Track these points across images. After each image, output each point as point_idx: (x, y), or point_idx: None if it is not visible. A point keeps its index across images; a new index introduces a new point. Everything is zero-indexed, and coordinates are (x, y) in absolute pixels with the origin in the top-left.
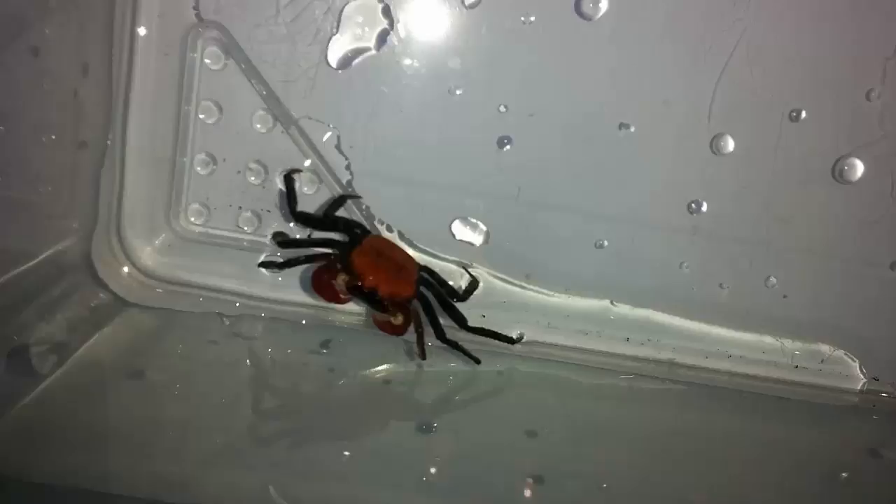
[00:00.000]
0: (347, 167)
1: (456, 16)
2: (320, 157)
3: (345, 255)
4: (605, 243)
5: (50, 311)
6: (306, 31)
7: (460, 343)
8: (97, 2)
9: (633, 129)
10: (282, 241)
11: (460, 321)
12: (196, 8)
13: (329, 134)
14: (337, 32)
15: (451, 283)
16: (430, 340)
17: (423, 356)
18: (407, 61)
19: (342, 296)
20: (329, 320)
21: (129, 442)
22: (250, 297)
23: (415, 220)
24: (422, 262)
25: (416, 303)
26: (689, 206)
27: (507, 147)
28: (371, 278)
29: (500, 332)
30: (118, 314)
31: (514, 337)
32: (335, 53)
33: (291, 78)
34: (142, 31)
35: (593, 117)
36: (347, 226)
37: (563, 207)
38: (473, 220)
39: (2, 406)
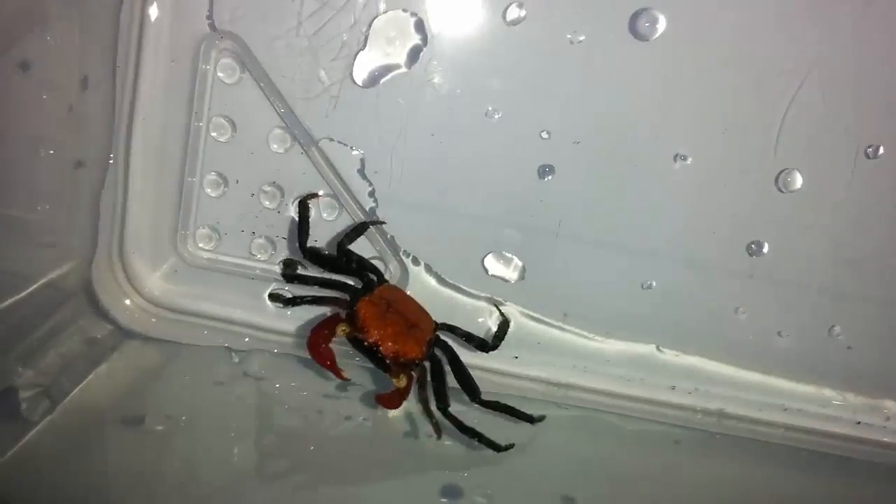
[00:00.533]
0: (371, 193)
1: (496, 32)
2: (342, 181)
3: (353, 301)
4: (653, 284)
5: (43, 346)
6: (330, 44)
7: (464, 423)
8: (100, 9)
9: (689, 161)
10: (288, 274)
11: (472, 391)
12: (210, 17)
13: (352, 157)
14: (364, 47)
15: (478, 329)
16: None
17: (437, 433)
18: (440, 80)
19: (334, 364)
20: (348, 356)
21: (124, 499)
22: (261, 329)
23: (444, 253)
24: (441, 319)
25: (425, 365)
26: (748, 247)
27: (549, 177)
28: (375, 332)
29: (518, 409)
30: (118, 347)
31: (535, 417)
32: (361, 70)
33: (312, 95)
34: (151, 40)
35: (645, 146)
36: (361, 268)
37: (609, 244)
38: (508, 255)
39: None
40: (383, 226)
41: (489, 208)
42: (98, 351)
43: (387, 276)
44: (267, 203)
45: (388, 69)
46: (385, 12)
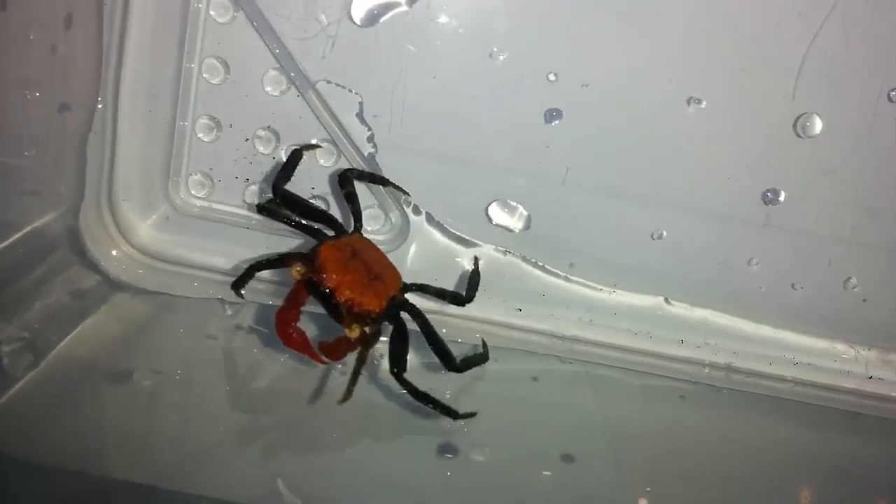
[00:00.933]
0: (370, 138)
1: None
2: (340, 125)
3: (311, 251)
4: (664, 234)
5: (28, 298)
6: None
7: (418, 389)
8: None
9: (703, 105)
10: (263, 206)
11: (449, 362)
12: None
13: (351, 100)
14: None
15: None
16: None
17: (344, 397)
18: (443, 19)
19: (308, 347)
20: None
21: (109, 458)
22: (255, 279)
23: (447, 202)
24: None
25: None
26: (763, 195)
27: (556, 121)
28: (333, 277)
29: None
30: (106, 300)
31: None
32: (360, 8)
33: (309, 35)
34: None
35: (658, 89)
36: (331, 221)
37: (617, 192)
38: (513, 203)
39: None
40: (382, 171)
41: (493, 155)
42: (85, 303)
43: (387, 226)
44: (262, 148)
45: (387, 7)
46: None
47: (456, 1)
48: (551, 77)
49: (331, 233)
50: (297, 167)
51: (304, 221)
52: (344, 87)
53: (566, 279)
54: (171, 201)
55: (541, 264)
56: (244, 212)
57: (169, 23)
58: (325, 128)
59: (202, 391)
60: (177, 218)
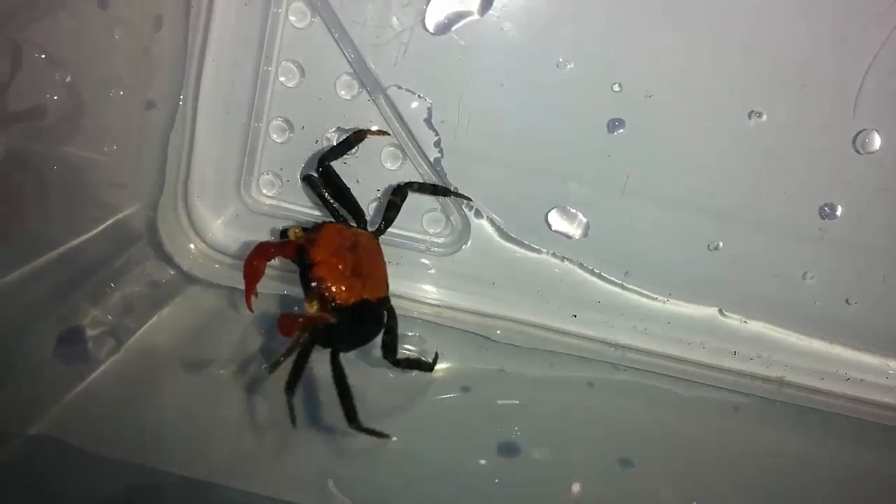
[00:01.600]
0: (437, 143)
1: None
2: (407, 130)
3: (317, 225)
4: (720, 245)
5: (109, 287)
6: None
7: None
8: None
9: (764, 118)
10: (307, 176)
11: (393, 362)
12: None
13: (420, 105)
14: None
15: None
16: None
17: (271, 369)
18: (512, 29)
19: (253, 283)
20: (404, 309)
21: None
22: None
23: (507, 206)
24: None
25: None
26: (821, 210)
27: (619, 131)
28: (321, 253)
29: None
30: (180, 292)
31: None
32: (433, 17)
33: (382, 41)
34: None
35: (720, 102)
36: (357, 212)
37: (676, 202)
38: (573, 210)
39: (50, 395)
40: (447, 175)
41: (555, 162)
42: (161, 294)
43: (448, 229)
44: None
45: (460, 16)
46: None
47: (526, 12)
48: (616, 87)
49: (352, 222)
50: (362, 166)
51: (333, 202)
52: (414, 93)
53: (622, 287)
54: (243, 199)
55: (597, 272)
56: (311, 210)
57: (249, 26)
58: (392, 132)
59: (266, 383)
60: (247, 216)
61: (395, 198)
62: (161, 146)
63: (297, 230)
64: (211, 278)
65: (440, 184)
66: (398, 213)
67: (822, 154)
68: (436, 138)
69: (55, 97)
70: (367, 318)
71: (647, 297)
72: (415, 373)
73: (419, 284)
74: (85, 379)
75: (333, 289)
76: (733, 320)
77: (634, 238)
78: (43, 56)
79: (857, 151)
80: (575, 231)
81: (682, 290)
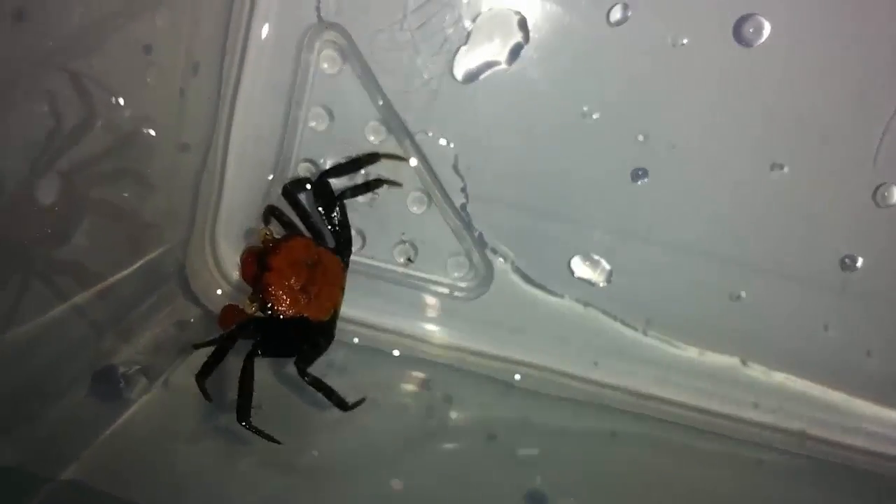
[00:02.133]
0: (463, 189)
1: (598, 33)
2: (434, 175)
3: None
4: (742, 295)
5: (140, 326)
6: (433, 39)
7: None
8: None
9: (786, 170)
10: (290, 188)
11: (301, 370)
12: (318, 8)
13: (446, 151)
14: (466, 43)
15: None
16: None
17: (195, 346)
18: (539, 79)
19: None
20: (426, 353)
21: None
22: (341, 319)
23: (531, 252)
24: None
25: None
26: (842, 261)
27: (642, 180)
28: (278, 261)
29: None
30: (206, 333)
31: (349, 403)
32: (462, 66)
33: (412, 88)
34: (258, 28)
35: (742, 153)
36: (338, 235)
37: (698, 251)
38: (596, 257)
39: (86, 435)
40: (472, 221)
41: (579, 209)
42: (188, 334)
43: (471, 273)
44: (358, 196)
45: (488, 65)
46: (489, 9)
47: (552, 63)
48: (640, 137)
49: (330, 243)
50: (388, 209)
51: (314, 218)
52: (441, 139)
53: (644, 335)
54: None
55: (619, 319)
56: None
57: (281, 72)
58: (419, 177)
59: (292, 424)
60: None
61: (333, 213)
62: (192, 188)
63: (265, 231)
64: None
65: (466, 230)
66: (350, 230)
67: (843, 207)
68: (462, 184)
69: (98, 138)
70: (301, 335)
71: (670, 345)
72: (434, 421)
73: (441, 328)
74: (118, 418)
75: (276, 297)
76: (755, 371)
77: (657, 286)
78: (88, 97)
79: (878, 205)
80: (597, 278)
81: (705, 339)
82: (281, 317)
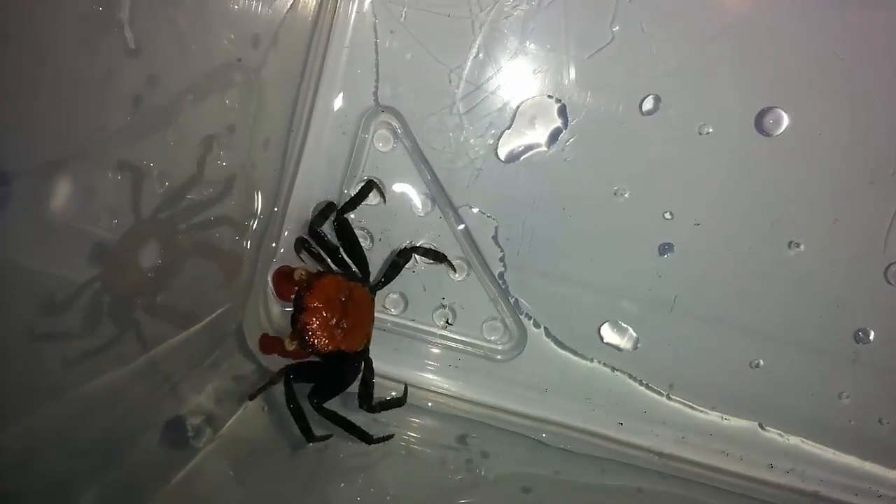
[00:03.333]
0: (501, 259)
1: (631, 121)
2: (474, 246)
3: (321, 273)
4: (761, 363)
5: (203, 380)
6: (479, 123)
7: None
8: (287, 81)
9: (802, 248)
10: (316, 223)
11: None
12: (375, 93)
13: (487, 224)
14: (510, 127)
15: (593, 388)
16: None
17: (251, 397)
18: (575, 161)
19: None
20: (462, 410)
21: None
22: (384, 377)
23: (563, 319)
24: None
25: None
26: (855, 334)
27: (669, 254)
28: (313, 301)
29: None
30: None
31: (373, 436)
32: (504, 147)
33: (457, 166)
34: (322, 109)
35: (762, 232)
36: (362, 266)
37: (720, 321)
38: (624, 325)
39: (158, 480)
40: (508, 288)
41: (610, 280)
42: (245, 386)
43: (506, 336)
44: (401, 261)
45: (529, 148)
46: (532, 97)
47: (588, 146)
48: (667, 216)
49: (356, 273)
50: (430, 275)
51: (341, 255)
52: (483, 213)
53: (667, 398)
54: None
55: (644, 383)
56: (381, 315)
57: (338, 149)
58: (460, 246)
59: (343, 475)
60: None
61: (399, 259)
62: (254, 252)
63: (301, 272)
64: None
65: (501, 296)
66: (398, 273)
67: (856, 283)
68: (500, 254)
69: (187, 213)
70: (341, 367)
71: (691, 408)
72: (471, 474)
73: (477, 387)
74: (187, 464)
75: (314, 335)
76: (773, 434)
77: (680, 353)
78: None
79: (889, 282)
80: (625, 344)
81: (725, 403)
82: (320, 352)
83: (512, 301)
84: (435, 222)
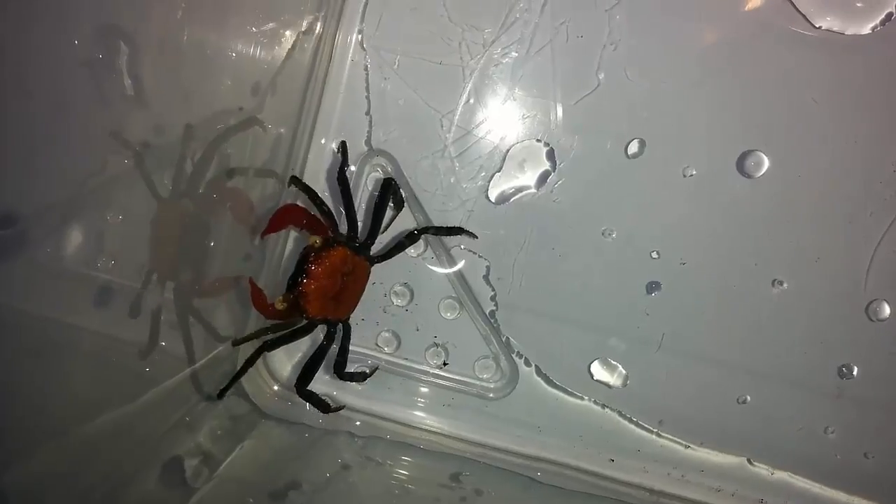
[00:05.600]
0: (493, 298)
1: (618, 164)
2: (466, 285)
3: (340, 243)
4: (748, 399)
5: (200, 420)
6: (470, 166)
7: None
8: (284, 126)
9: (785, 286)
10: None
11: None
12: (367, 139)
13: (479, 264)
14: (500, 170)
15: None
16: None
17: (234, 343)
18: (564, 202)
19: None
20: (453, 448)
21: None
22: (377, 416)
23: (553, 356)
24: None
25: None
26: (839, 370)
27: (656, 293)
28: (319, 270)
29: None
30: (256, 426)
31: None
32: (495, 189)
33: (449, 208)
34: (316, 152)
35: (746, 270)
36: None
37: (708, 358)
38: (613, 362)
39: None
40: (500, 327)
41: (599, 318)
42: (241, 427)
43: (498, 374)
44: (396, 301)
45: (519, 190)
46: (521, 141)
47: (576, 188)
48: (654, 255)
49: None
50: (423, 314)
51: (343, 208)
52: (474, 253)
53: (657, 435)
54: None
55: (634, 419)
56: (375, 353)
57: (333, 193)
58: (452, 285)
59: None
60: None
61: (406, 241)
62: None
63: (315, 240)
64: (279, 415)
65: (493, 334)
66: (401, 252)
67: (839, 320)
68: (492, 293)
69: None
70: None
71: (681, 444)
72: None
73: (470, 425)
74: None
75: (308, 303)
76: (761, 469)
77: (669, 390)
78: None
79: (870, 319)
80: (615, 381)
81: (713, 439)
82: (308, 318)
83: (504, 339)
84: (427, 263)
